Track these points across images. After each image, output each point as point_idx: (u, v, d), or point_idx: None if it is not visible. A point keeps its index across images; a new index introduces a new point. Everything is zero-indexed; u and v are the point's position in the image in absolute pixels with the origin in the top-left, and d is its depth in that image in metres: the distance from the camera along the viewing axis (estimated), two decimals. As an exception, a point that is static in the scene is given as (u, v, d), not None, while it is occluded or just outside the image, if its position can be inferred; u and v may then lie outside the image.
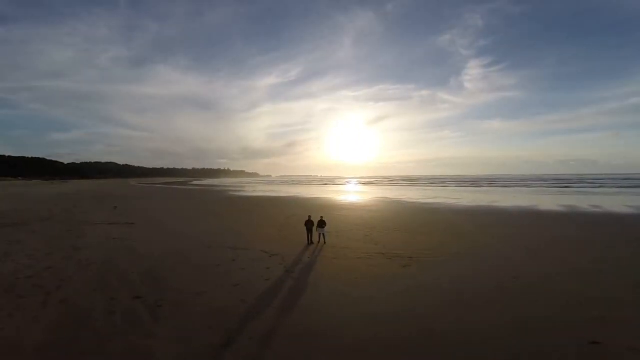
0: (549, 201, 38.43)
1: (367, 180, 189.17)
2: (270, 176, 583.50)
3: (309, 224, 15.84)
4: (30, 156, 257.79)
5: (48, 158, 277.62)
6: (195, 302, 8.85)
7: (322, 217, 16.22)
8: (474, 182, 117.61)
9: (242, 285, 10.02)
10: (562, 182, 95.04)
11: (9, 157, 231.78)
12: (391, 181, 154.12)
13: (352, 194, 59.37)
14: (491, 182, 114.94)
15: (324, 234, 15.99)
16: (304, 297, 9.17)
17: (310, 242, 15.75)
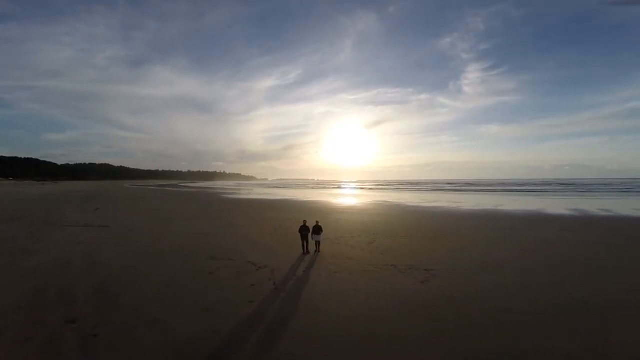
0: (555, 205, 36.45)
1: (364, 184, 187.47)
2: (266, 179, 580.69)
3: (304, 230, 13.47)
4: (24, 157, 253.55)
5: (42, 159, 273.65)
6: (147, 332, 6.56)
7: (317, 221, 13.91)
8: (470, 186, 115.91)
9: (216, 310, 7.72)
10: (560, 187, 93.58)
11: (2, 157, 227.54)
12: (388, 185, 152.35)
13: (350, 197, 57.22)
14: (488, 186, 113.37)
15: (319, 242, 13.71)
16: (296, 329, 6.90)
17: (306, 251, 13.44)
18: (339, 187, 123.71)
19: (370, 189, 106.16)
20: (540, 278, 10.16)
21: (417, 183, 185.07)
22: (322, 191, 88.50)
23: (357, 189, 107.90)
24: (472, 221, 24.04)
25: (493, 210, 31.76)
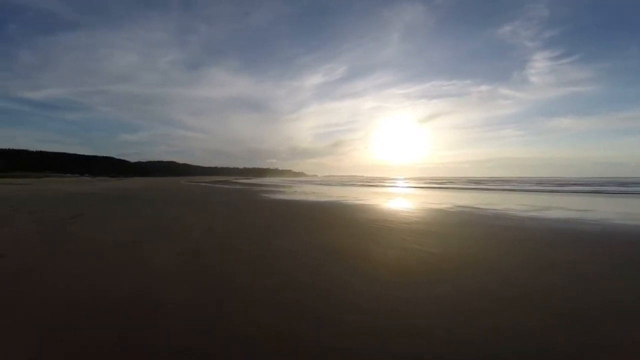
0: None
1: (419, 181, 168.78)
2: (316, 176, 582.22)
3: None
4: (102, 155, 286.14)
5: (118, 157, 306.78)
6: None
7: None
8: (550, 184, 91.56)
9: None
10: None
11: (82, 155, 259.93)
12: (450, 182, 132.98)
13: (412, 200, 44.38)
14: (571, 185, 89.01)
15: None
16: None
17: None
18: (393, 186, 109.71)
19: (431, 187, 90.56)
20: None
21: (480, 181, 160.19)
22: (375, 189, 76.09)
23: (414, 187, 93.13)
24: None
25: None
